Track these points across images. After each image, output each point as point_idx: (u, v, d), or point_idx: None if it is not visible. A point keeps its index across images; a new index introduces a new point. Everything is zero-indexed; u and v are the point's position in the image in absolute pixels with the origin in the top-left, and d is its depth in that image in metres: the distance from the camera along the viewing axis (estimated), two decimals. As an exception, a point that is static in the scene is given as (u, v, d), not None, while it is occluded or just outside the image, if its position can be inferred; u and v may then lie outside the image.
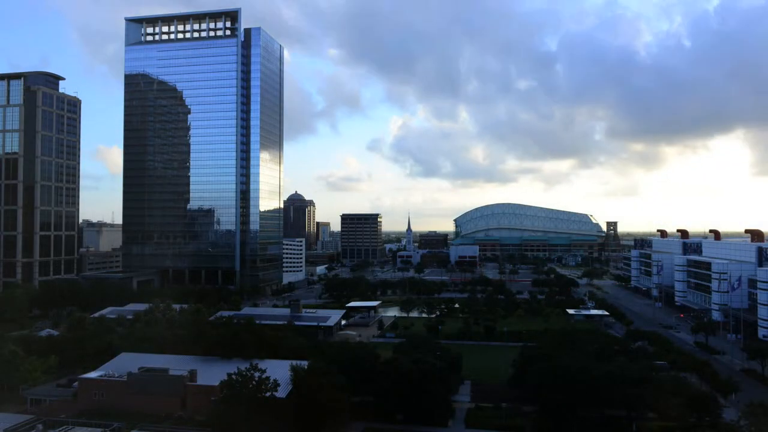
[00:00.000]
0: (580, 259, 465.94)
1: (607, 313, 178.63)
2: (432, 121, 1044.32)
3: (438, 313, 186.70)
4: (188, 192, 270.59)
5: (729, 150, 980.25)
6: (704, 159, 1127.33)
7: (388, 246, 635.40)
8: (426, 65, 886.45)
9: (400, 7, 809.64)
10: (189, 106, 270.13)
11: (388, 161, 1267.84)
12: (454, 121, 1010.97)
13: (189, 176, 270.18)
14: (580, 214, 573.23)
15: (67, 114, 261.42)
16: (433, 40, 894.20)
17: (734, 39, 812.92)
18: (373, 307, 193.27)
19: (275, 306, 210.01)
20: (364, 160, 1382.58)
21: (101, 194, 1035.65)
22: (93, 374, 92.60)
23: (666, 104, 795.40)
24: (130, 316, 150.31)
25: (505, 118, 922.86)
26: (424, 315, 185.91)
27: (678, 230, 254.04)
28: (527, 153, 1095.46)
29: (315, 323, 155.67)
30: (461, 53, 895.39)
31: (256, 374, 75.61)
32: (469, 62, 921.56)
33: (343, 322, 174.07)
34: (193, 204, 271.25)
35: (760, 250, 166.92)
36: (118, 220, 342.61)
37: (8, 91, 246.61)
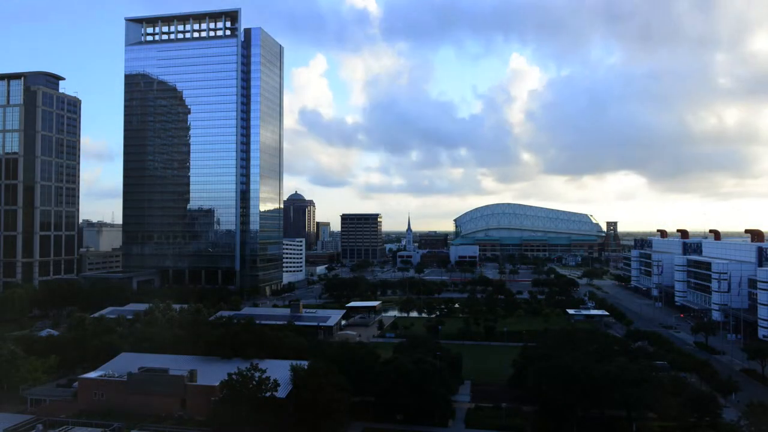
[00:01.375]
0: (580, 259, 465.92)
1: (607, 313, 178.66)
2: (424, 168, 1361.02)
3: (438, 313, 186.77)
4: (188, 192, 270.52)
5: (623, 180, 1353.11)
6: (615, 184, 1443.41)
7: (388, 246, 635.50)
8: (416, 153, 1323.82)
9: (399, 124, 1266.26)
10: (189, 106, 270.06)
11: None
12: (440, 168, 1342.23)
13: (189, 176, 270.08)
14: (580, 214, 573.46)
15: (67, 114, 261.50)
16: (419, 142, 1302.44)
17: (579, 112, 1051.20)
18: (373, 307, 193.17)
19: (275, 306, 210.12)
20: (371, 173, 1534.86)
21: (101, 194, 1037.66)
22: (93, 374, 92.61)
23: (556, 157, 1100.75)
24: (130, 316, 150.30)
25: (470, 164, 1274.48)
26: (424, 315, 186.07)
27: (678, 230, 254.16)
28: (497, 179, 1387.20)
29: (315, 323, 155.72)
30: (437, 148, 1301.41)
31: (256, 374, 75.69)
32: (442, 150, 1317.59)
33: (343, 322, 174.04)
34: (193, 204, 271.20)
35: (760, 250, 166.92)
36: (118, 220, 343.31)
37: (8, 91, 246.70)
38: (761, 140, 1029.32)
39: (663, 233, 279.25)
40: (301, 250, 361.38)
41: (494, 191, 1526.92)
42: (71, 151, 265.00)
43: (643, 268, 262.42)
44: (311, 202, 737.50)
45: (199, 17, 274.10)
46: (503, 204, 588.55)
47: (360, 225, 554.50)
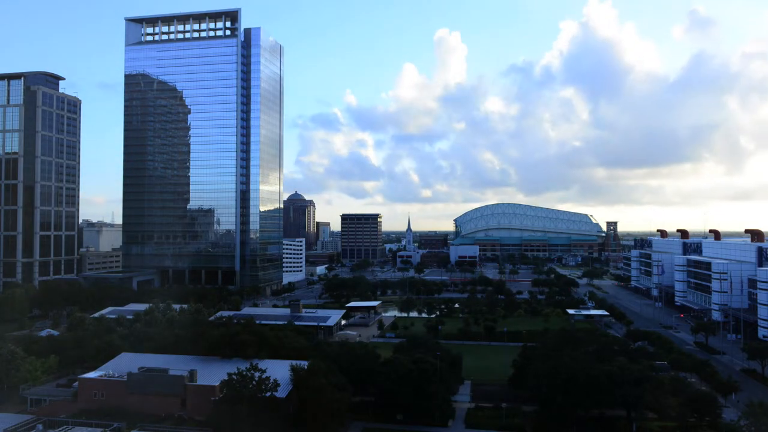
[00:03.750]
0: (580, 259, 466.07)
1: (607, 313, 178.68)
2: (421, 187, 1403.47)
3: (438, 313, 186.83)
4: (188, 192, 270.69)
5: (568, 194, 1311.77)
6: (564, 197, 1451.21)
7: (388, 246, 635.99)
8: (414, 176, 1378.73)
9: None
10: (189, 106, 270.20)
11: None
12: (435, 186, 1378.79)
13: (189, 176, 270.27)
14: (580, 214, 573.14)
15: (67, 114, 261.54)
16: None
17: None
18: (373, 307, 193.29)
19: (275, 306, 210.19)
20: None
21: (101, 193, 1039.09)
22: (93, 374, 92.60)
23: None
24: (130, 316, 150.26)
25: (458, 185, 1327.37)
26: (424, 315, 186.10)
27: (678, 230, 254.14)
28: (482, 193, 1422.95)
29: (315, 323, 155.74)
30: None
31: (256, 374, 75.68)
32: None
33: (343, 322, 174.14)
34: (193, 204, 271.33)
35: (760, 250, 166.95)
36: (118, 220, 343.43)
37: (8, 91, 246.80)
38: (637, 177, 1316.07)
39: (663, 233, 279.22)
40: (301, 250, 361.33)
41: (483, 199, 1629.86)
42: (71, 151, 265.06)
43: (643, 268, 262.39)
44: (311, 202, 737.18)
45: (199, 17, 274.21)
46: (503, 204, 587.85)
47: (360, 225, 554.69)
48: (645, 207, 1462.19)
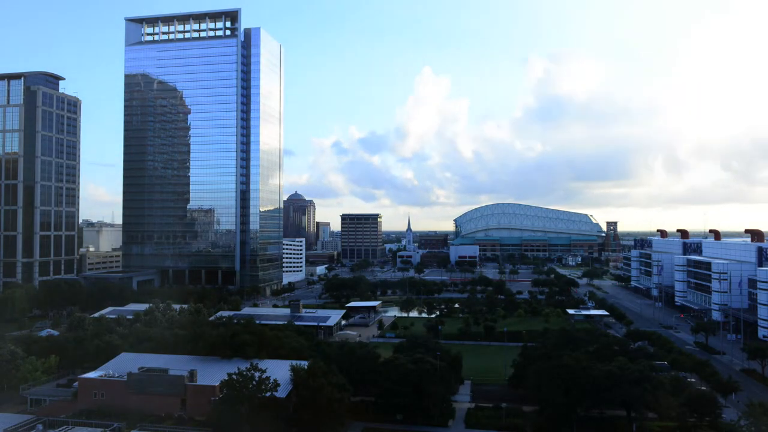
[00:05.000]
0: (580, 259, 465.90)
1: (607, 313, 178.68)
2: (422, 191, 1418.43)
3: (438, 313, 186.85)
4: (188, 192, 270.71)
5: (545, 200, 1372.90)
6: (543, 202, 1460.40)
7: (388, 246, 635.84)
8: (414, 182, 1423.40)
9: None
10: (189, 106, 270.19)
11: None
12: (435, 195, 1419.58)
13: (189, 176, 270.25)
14: (580, 214, 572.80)
15: (67, 114, 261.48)
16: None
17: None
18: (373, 307, 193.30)
19: (275, 306, 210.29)
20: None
21: (101, 194, 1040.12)
22: (93, 374, 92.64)
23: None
24: (130, 316, 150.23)
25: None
26: (424, 315, 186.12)
27: (678, 230, 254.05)
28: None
29: (315, 323, 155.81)
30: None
31: (256, 374, 75.71)
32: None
33: (343, 322, 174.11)
34: (193, 204, 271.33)
35: (760, 250, 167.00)
36: (118, 220, 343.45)
37: (8, 91, 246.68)
38: (605, 187, 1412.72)
39: (663, 233, 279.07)
40: (301, 250, 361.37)
41: (479, 202, 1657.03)
42: (71, 151, 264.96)
43: (643, 268, 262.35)
44: (311, 202, 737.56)
45: (199, 17, 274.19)
46: (503, 204, 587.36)
47: (360, 225, 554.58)
48: (621, 209, 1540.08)
